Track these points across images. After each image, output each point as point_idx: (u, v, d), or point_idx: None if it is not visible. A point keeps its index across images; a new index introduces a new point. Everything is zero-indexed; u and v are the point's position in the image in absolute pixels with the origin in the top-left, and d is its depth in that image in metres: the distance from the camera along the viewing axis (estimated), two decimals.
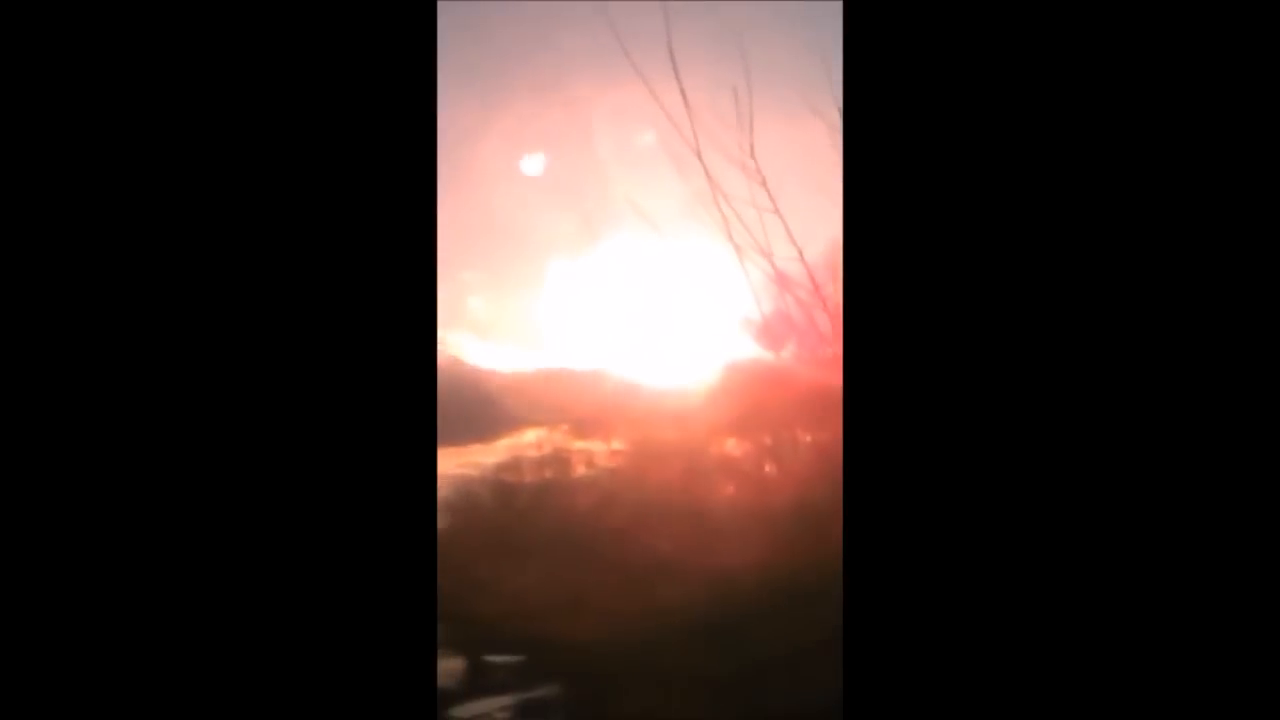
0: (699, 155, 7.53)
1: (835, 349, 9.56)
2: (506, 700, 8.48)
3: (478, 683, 9.13)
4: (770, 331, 10.50)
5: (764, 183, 7.78)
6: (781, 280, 8.42)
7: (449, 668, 9.63)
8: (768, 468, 12.33)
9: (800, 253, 8.14)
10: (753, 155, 7.69)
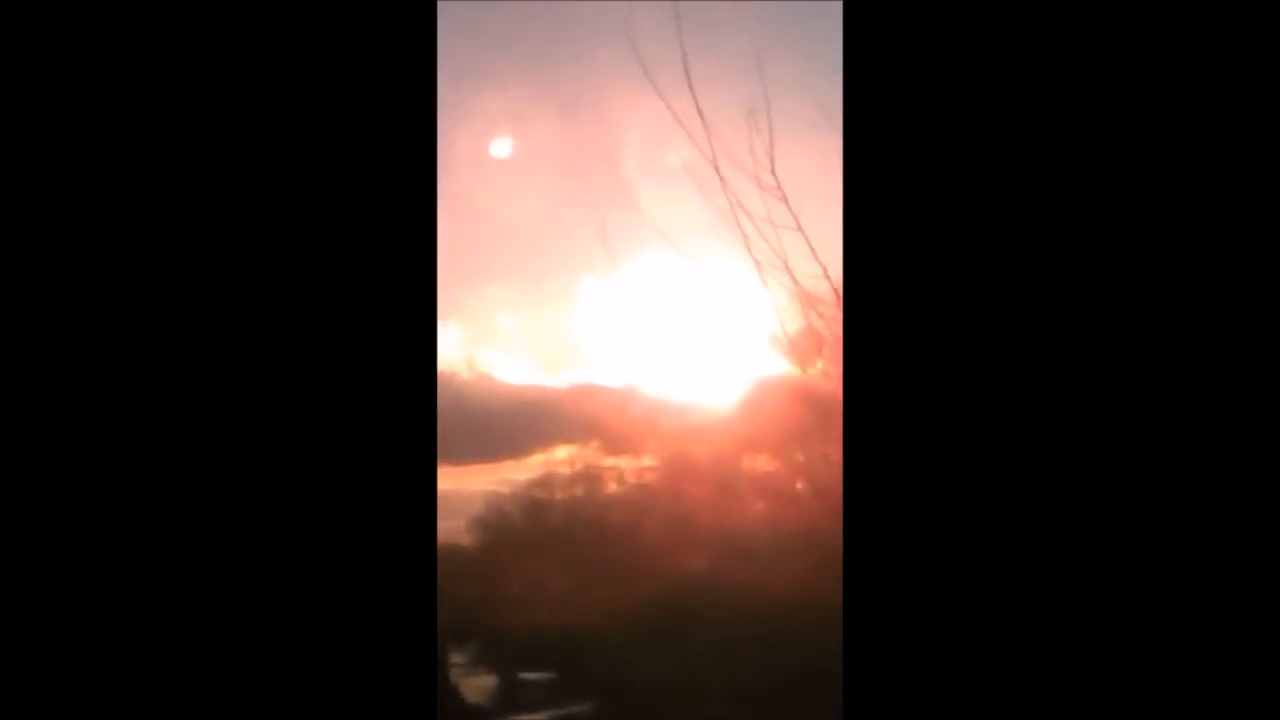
0: (718, 172, 7.56)
1: None
2: (539, 717, 8.50)
3: (510, 700, 9.16)
4: (796, 348, 10.49)
5: (785, 200, 7.80)
6: (806, 298, 8.43)
7: (482, 685, 9.68)
8: (799, 484, 12.31)
9: (824, 269, 8.14)
10: (773, 173, 7.70)
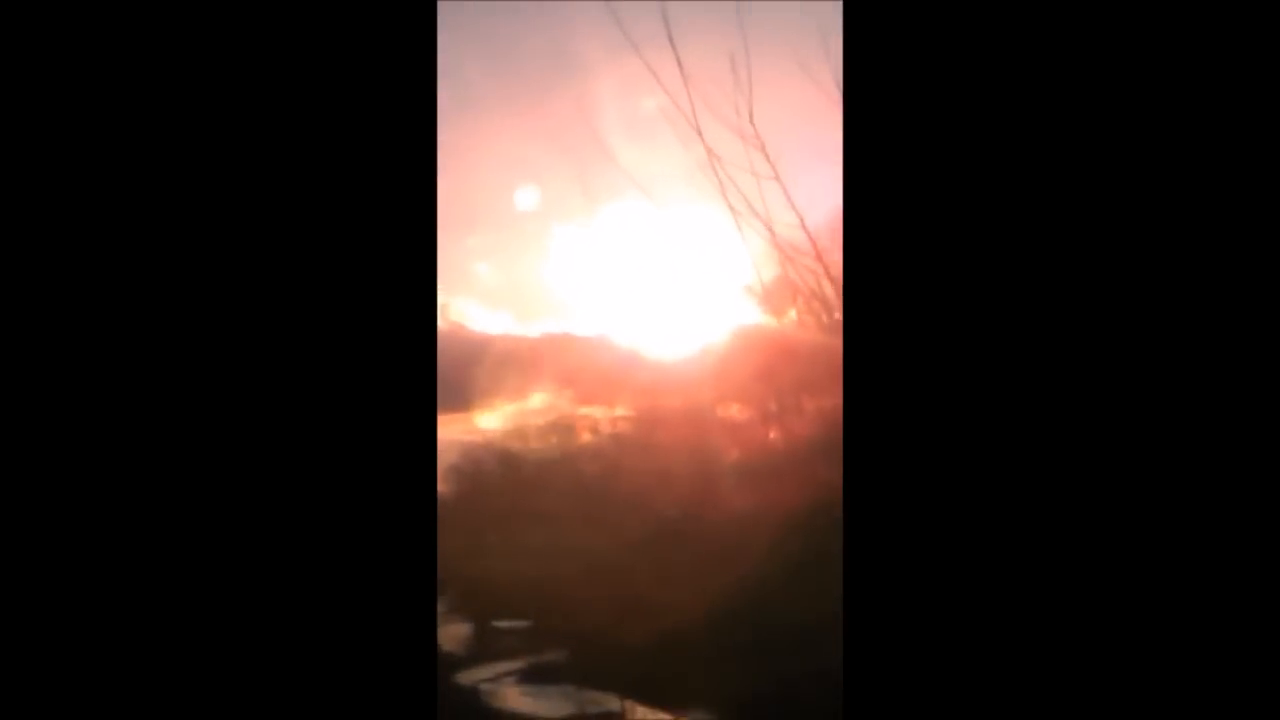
0: (696, 122, 7.48)
1: (838, 315, 9.55)
2: (513, 665, 8.54)
3: (484, 648, 9.19)
4: (772, 298, 10.49)
5: (763, 149, 7.74)
6: (783, 247, 8.39)
7: (456, 633, 9.71)
8: (772, 433, 12.35)
9: (801, 219, 8.11)
10: (751, 122, 7.64)
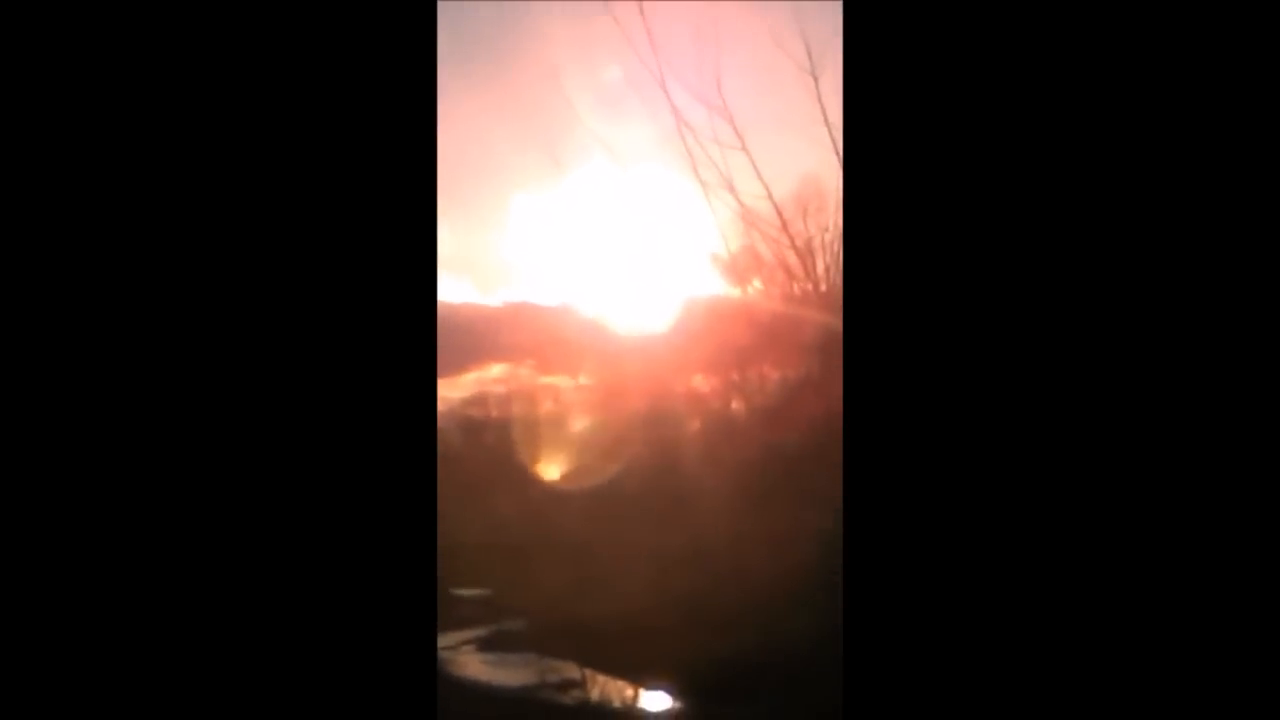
0: (664, 90, 7.42)
1: (803, 285, 9.55)
2: (473, 634, 8.54)
3: (445, 616, 9.18)
4: (737, 268, 10.47)
5: (731, 120, 7.70)
6: (749, 217, 8.36)
7: None
8: (734, 404, 12.40)
9: (768, 190, 8.08)
10: (719, 92, 7.60)
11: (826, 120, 7.40)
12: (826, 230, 9.51)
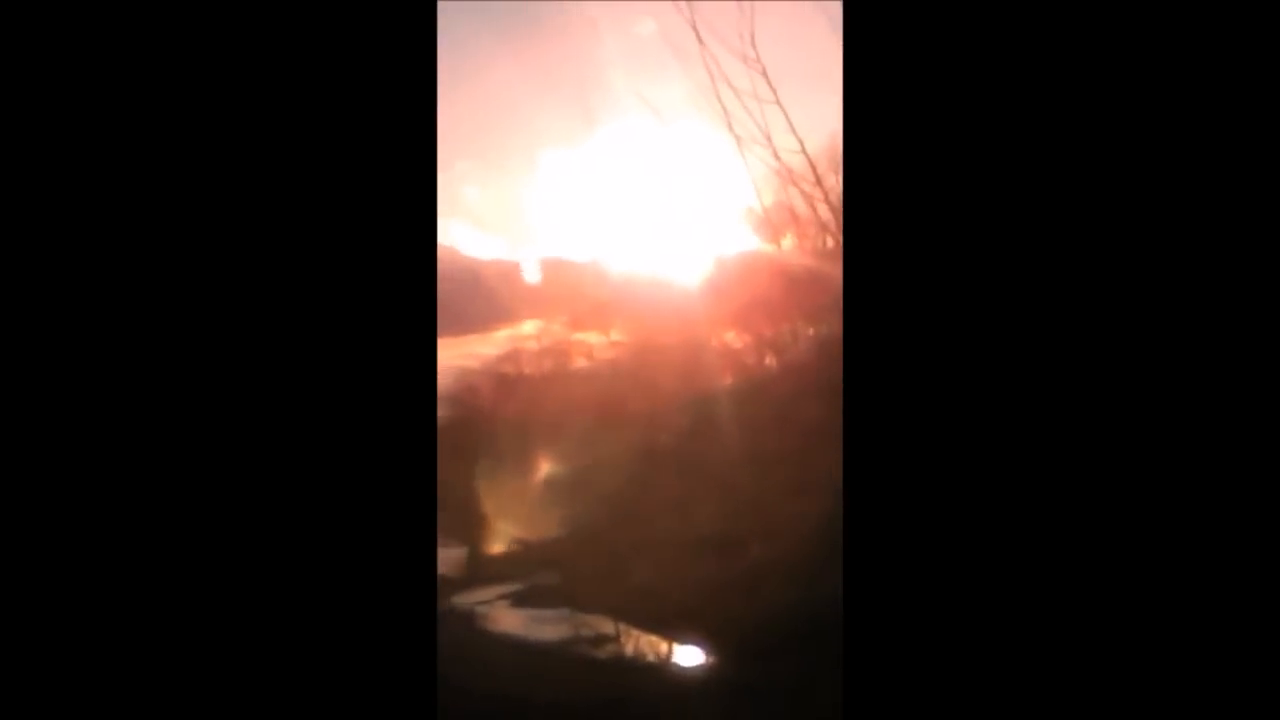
0: (700, 45, 7.31)
1: (838, 240, 9.45)
2: (508, 588, 8.63)
3: (478, 571, 9.30)
4: (770, 223, 10.38)
5: (765, 73, 7.57)
6: (783, 172, 8.25)
7: (450, 557, 9.80)
8: (767, 359, 12.35)
9: (802, 144, 7.96)
10: (754, 46, 7.47)
11: None
12: None
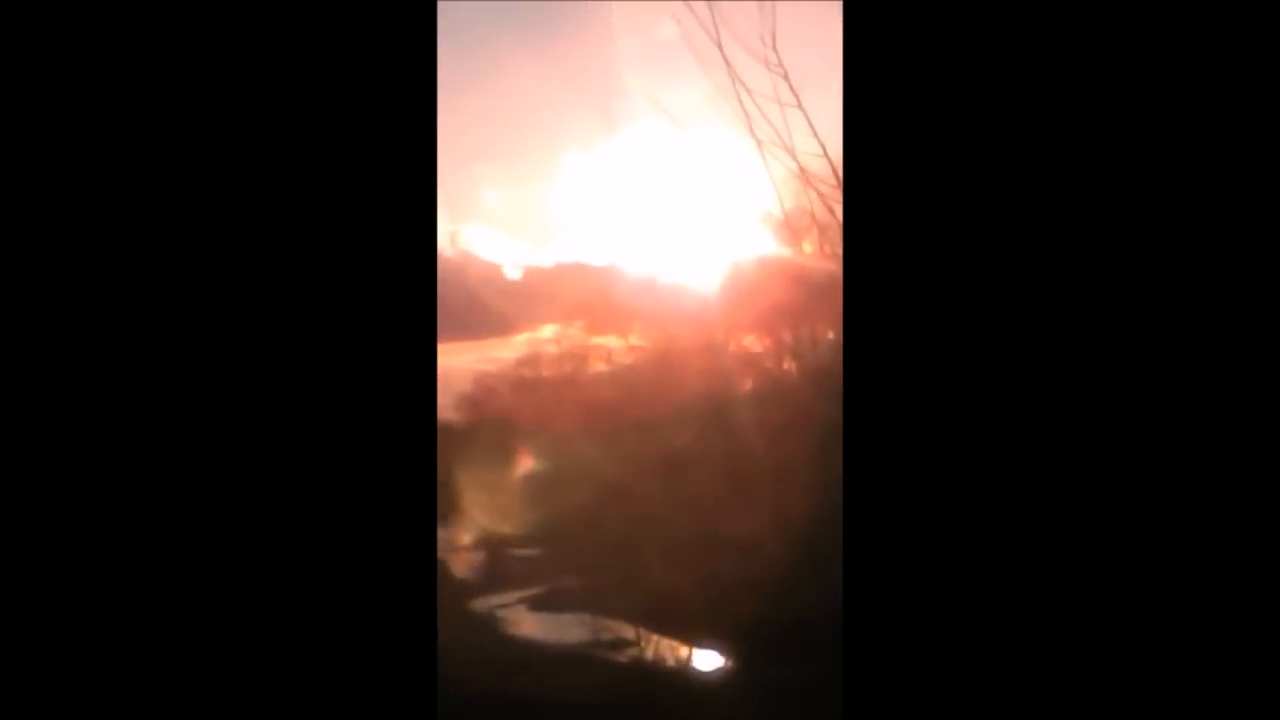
0: (720, 48, 7.30)
1: None
2: (528, 592, 8.63)
3: (498, 575, 9.30)
4: (791, 227, 10.35)
5: (786, 76, 7.54)
6: (804, 175, 8.22)
7: (469, 560, 9.82)
8: (787, 363, 12.32)
9: (823, 147, 7.91)
10: (775, 49, 7.44)
11: None
12: None
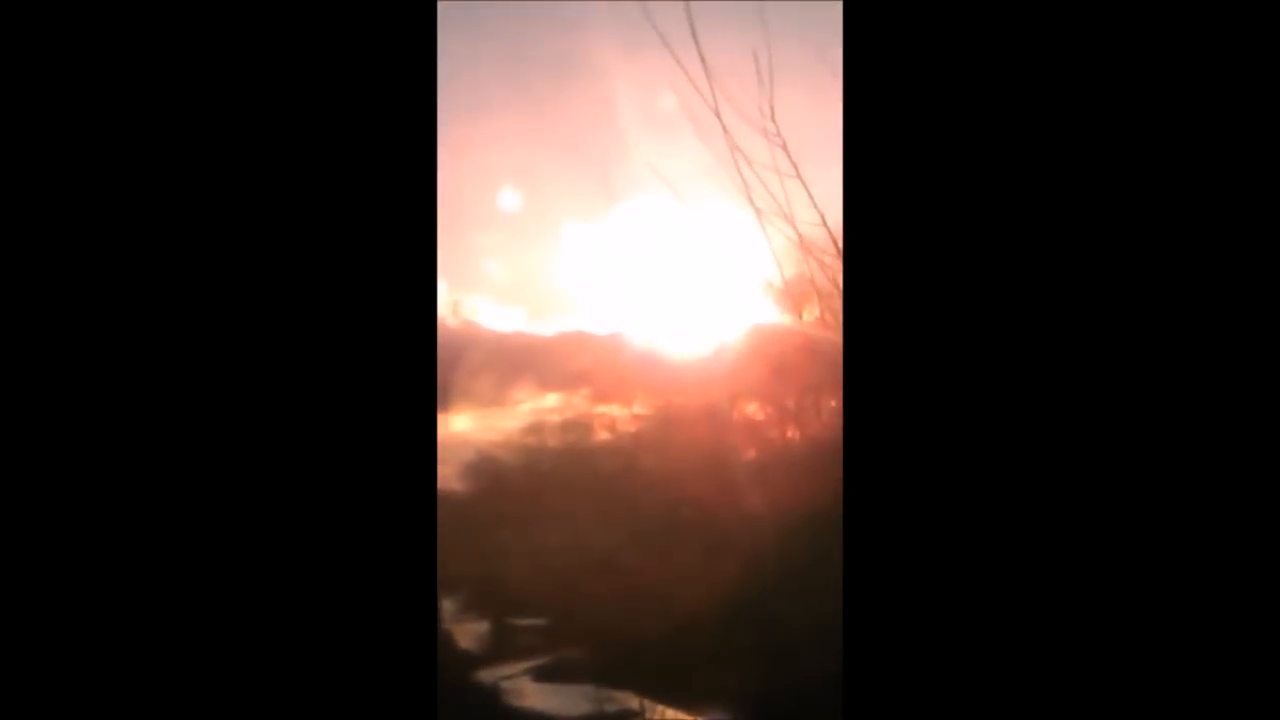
0: (719, 118, 7.44)
1: None
2: (532, 663, 8.52)
3: (502, 646, 9.17)
4: (791, 295, 10.42)
5: (784, 146, 7.68)
6: (803, 244, 8.33)
7: (473, 631, 9.69)
8: (790, 431, 12.30)
9: (822, 217, 8.03)
10: (773, 119, 7.59)
11: None
12: None
